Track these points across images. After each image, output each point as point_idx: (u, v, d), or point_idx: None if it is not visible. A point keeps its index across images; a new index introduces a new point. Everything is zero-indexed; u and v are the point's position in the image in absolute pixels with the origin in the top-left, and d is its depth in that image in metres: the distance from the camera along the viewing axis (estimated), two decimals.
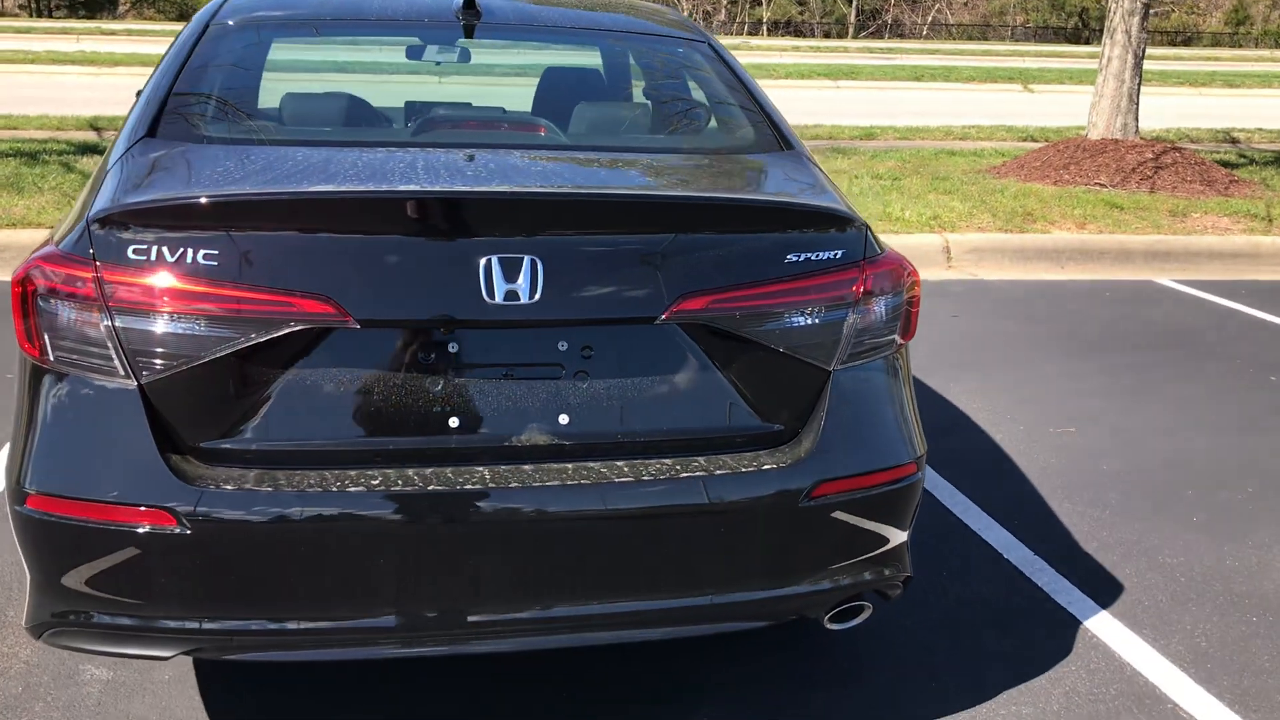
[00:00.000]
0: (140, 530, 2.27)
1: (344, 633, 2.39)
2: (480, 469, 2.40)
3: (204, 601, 2.31)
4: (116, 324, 2.30)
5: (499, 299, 2.35)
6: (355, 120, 3.18)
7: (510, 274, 2.36)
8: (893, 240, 8.45)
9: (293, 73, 5.02)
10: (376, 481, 2.33)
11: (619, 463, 2.48)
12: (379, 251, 2.34)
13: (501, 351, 2.44)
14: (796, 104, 16.10)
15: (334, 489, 2.30)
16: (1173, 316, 7.21)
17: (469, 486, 2.34)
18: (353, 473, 2.35)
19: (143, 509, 2.27)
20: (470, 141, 2.88)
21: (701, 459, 2.52)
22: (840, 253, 2.61)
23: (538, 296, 2.37)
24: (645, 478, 2.43)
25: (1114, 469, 4.74)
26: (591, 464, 2.46)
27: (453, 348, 2.41)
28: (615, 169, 2.70)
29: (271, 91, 3.39)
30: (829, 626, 2.75)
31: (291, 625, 2.37)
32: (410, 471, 2.37)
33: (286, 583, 2.32)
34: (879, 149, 12.68)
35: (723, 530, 2.49)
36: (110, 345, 2.31)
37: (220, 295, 2.29)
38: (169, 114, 2.78)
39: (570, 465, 2.45)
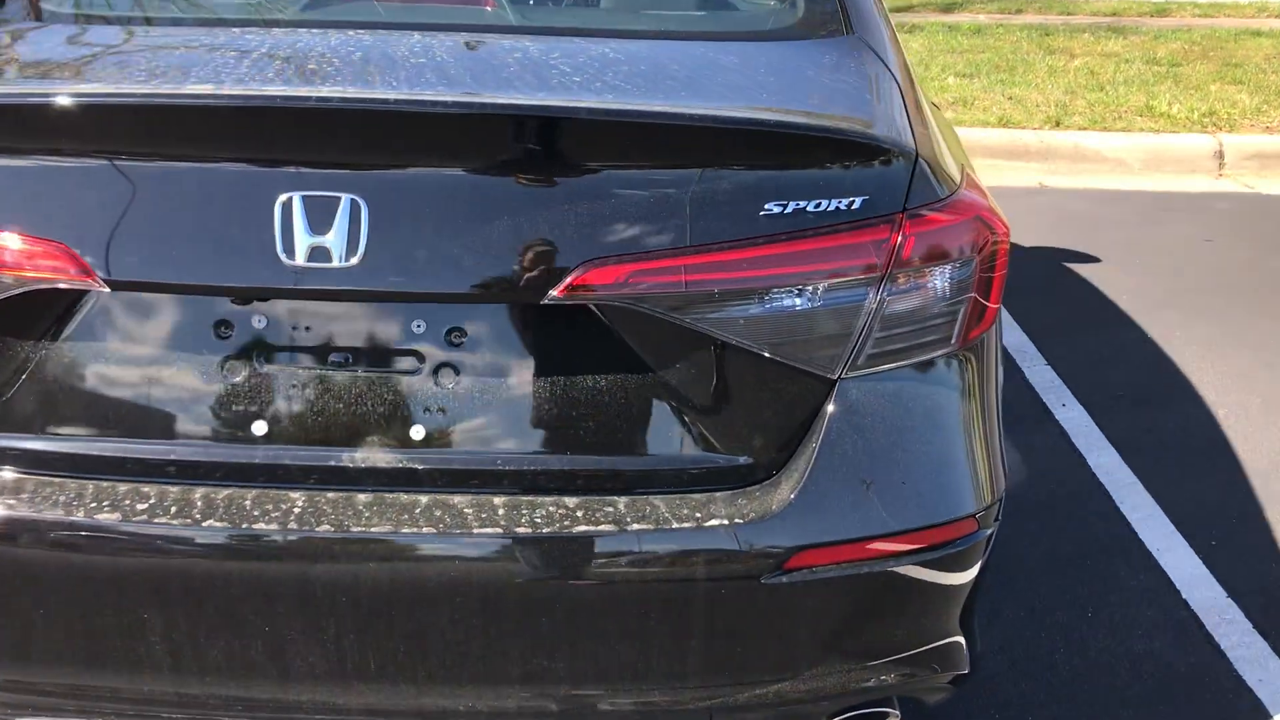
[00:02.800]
0: None
1: (128, 701, 1.77)
2: (294, 494, 1.69)
3: None
4: None
5: (300, 259, 1.60)
6: None
7: (318, 222, 1.60)
8: (1148, 142, 7.06)
9: None
10: (157, 505, 1.66)
11: (495, 499, 1.71)
12: (138, 185, 1.63)
13: (331, 332, 1.70)
14: None
15: (103, 509, 1.65)
16: None
17: (266, 523, 1.64)
18: (125, 488, 1.69)
19: None
20: (370, 21, 2.08)
21: (621, 502, 1.71)
22: (859, 201, 1.69)
23: (358, 257, 1.60)
24: (525, 527, 1.66)
25: None
26: (455, 498, 1.70)
27: (258, 323, 1.69)
28: (533, 66, 1.83)
29: None
30: None
31: (65, 688, 1.76)
32: (198, 494, 1.68)
33: (44, 634, 1.71)
34: (1167, 28, 10.84)
35: (644, 611, 1.70)
36: None
37: None
38: None
39: (424, 498, 1.70)
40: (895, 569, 1.75)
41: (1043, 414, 3.86)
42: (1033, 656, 2.66)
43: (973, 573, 1.85)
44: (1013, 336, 4.49)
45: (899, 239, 1.71)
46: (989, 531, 1.85)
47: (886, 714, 1.92)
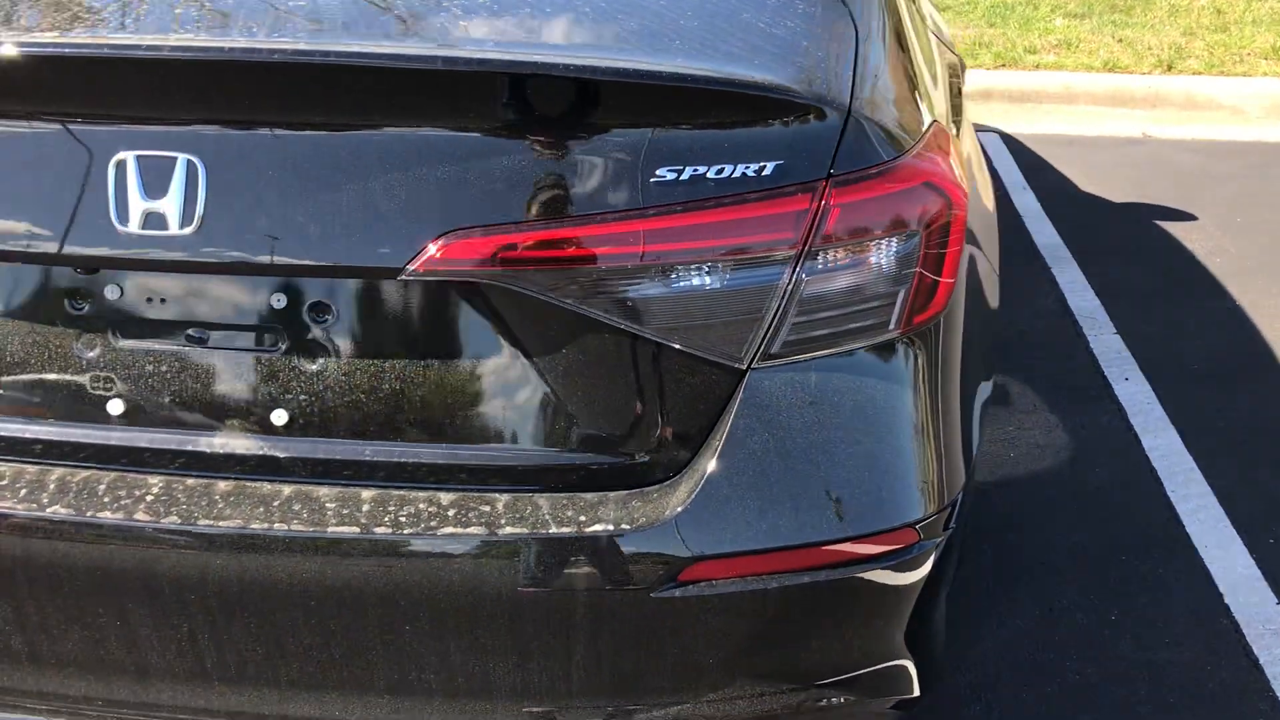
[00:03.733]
0: None
1: None
2: (152, 479, 1.57)
3: None
4: None
5: (134, 225, 1.45)
6: None
7: (153, 185, 1.45)
8: (1271, 88, 6.51)
9: None
10: (7, 486, 1.55)
11: (364, 492, 1.55)
12: None
13: (188, 306, 1.55)
14: None
15: None
16: None
17: (113, 510, 1.51)
18: None
19: None
20: None
21: (500, 501, 1.54)
22: (770, 166, 1.46)
23: (194, 225, 1.45)
24: (386, 527, 1.50)
25: None
26: (320, 490, 1.55)
27: (110, 294, 1.55)
28: (397, 9, 1.62)
29: None
30: None
31: None
32: (52, 475, 1.57)
33: None
34: None
35: (519, 623, 1.53)
36: None
37: None
38: None
39: (286, 489, 1.56)
40: (811, 585, 1.54)
41: (1101, 388, 3.54)
42: (1039, 664, 2.41)
43: (914, 588, 1.63)
44: (1083, 300, 4.15)
45: (820, 210, 1.48)
46: (935, 542, 1.62)
47: None
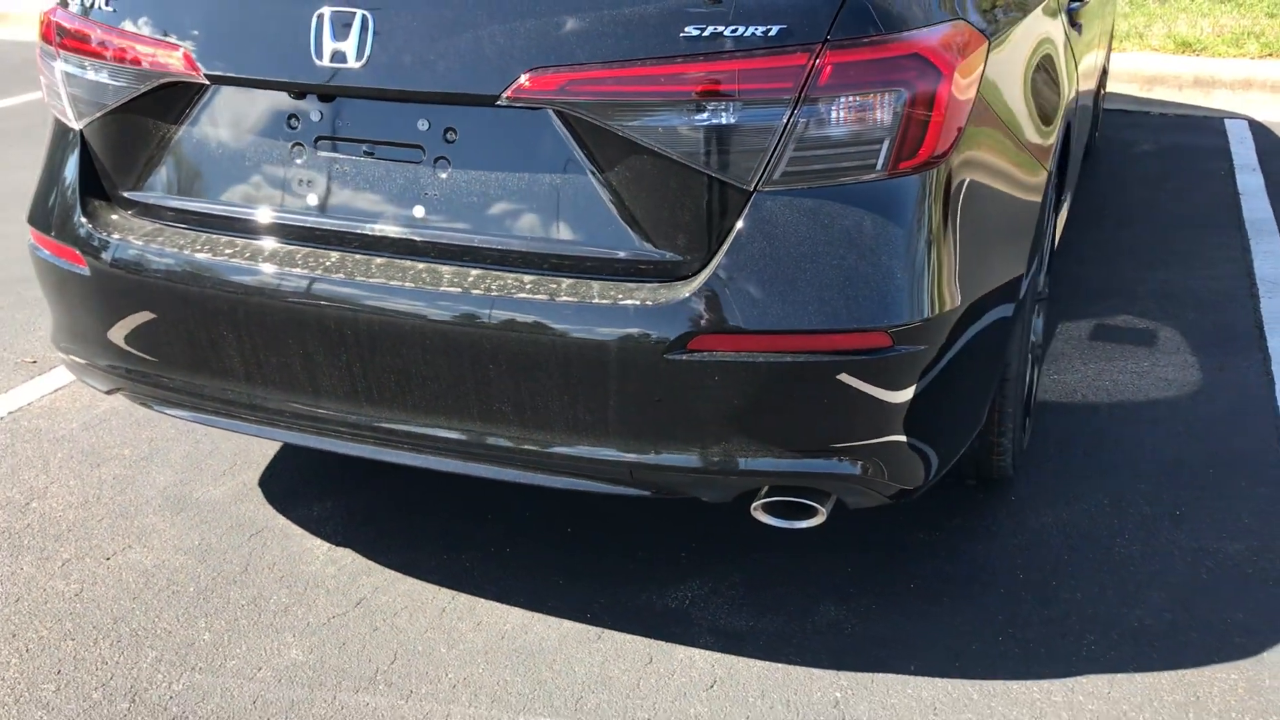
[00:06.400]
0: (63, 267, 2.40)
1: (225, 403, 2.36)
2: (333, 254, 2.19)
3: (111, 346, 2.40)
4: (60, 69, 2.39)
5: (326, 60, 2.08)
6: None
7: (339, 32, 2.06)
8: None
9: None
10: (238, 252, 2.23)
11: (471, 271, 2.11)
12: (226, 4, 2.17)
13: (361, 125, 2.16)
14: None
15: (204, 253, 2.25)
16: None
17: (314, 274, 2.15)
18: (221, 239, 2.27)
19: (64, 247, 2.39)
20: None
21: (565, 281, 2.06)
22: (775, 29, 1.91)
23: (365, 60, 2.05)
24: (481, 291, 2.06)
25: None
26: (442, 267, 2.13)
27: (314, 116, 2.18)
28: None
29: None
30: (760, 519, 2.16)
31: (179, 383, 2.37)
32: (269, 246, 2.23)
33: (171, 340, 2.33)
34: None
35: (569, 370, 2.04)
36: (61, 90, 2.41)
37: (111, 42, 2.28)
38: None
39: (420, 265, 2.14)
40: (793, 365, 1.97)
41: (1254, 340, 3.66)
42: (1090, 537, 2.68)
43: (899, 385, 2.01)
44: (1272, 268, 4.21)
45: (815, 67, 1.91)
46: (915, 349, 2.00)
47: (814, 509, 2.13)
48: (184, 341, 2.30)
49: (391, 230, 2.16)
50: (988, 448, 2.63)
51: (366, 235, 2.18)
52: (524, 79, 1.98)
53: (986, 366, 2.32)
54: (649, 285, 2.03)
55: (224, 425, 2.43)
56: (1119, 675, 2.26)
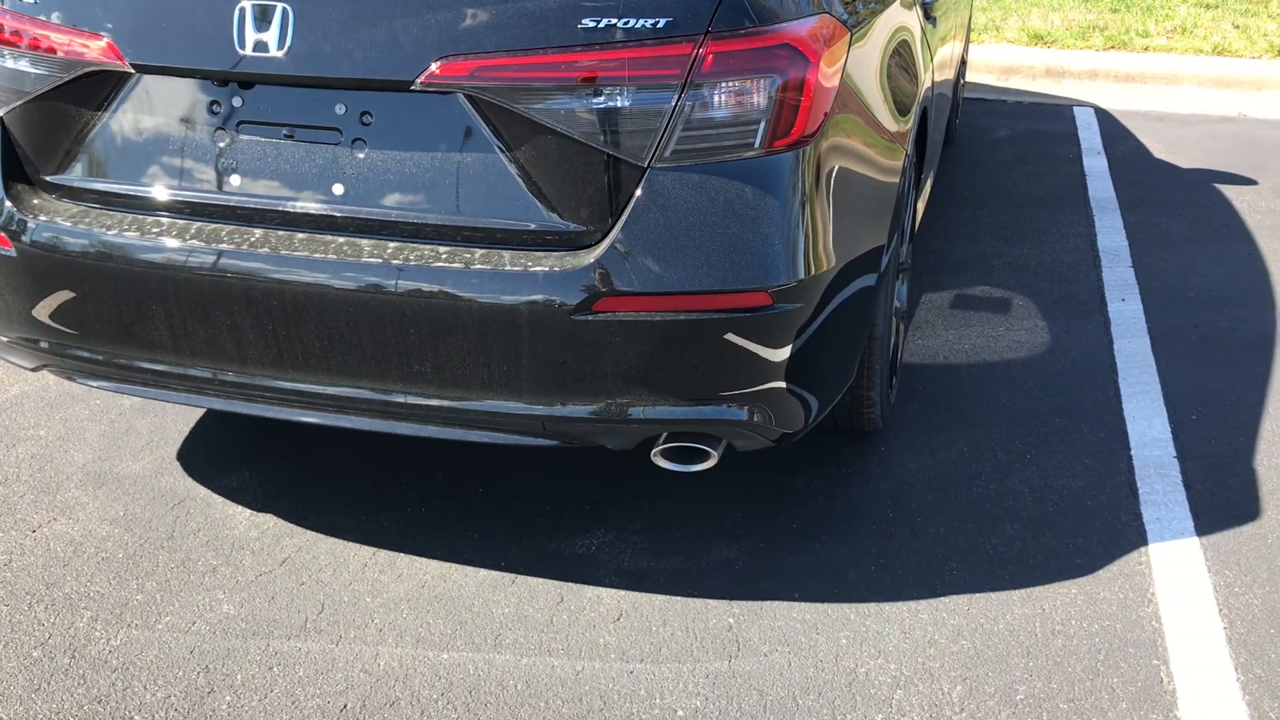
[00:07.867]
0: None
1: (154, 374, 2.50)
2: (257, 231, 2.35)
3: (38, 324, 2.51)
4: None
5: (249, 49, 2.24)
6: None
7: (261, 23, 2.23)
8: None
9: None
10: (164, 231, 2.37)
11: (389, 244, 2.30)
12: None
13: (281, 110, 2.33)
14: None
15: (131, 232, 2.38)
16: None
17: (239, 250, 2.31)
18: (148, 219, 2.41)
19: None
20: None
21: (478, 252, 2.26)
22: (663, 21, 2.14)
23: (286, 49, 2.23)
24: (400, 261, 2.24)
25: None
26: (361, 241, 2.31)
27: (235, 102, 2.34)
28: None
29: None
30: (659, 464, 2.40)
31: (106, 357, 2.51)
32: (195, 225, 2.38)
33: (99, 316, 2.46)
34: None
35: (484, 332, 2.24)
36: None
37: (34, 33, 2.40)
38: None
39: (340, 239, 2.32)
40: (686, 323, 2.21)
41: (1098, 305, 4.03)
42: (952, 480, 2.98)
43: (780, 337, 2.26)
44: (1112, 241, 4.61)
45: (697, 55, 2.15)
46: (793, 306, 2.25)
47: (707, 453, 2.38)
48: (112, 317, 2.43)
49: (312, 207, 2.33)
50: (858, 401, 2.91)
51: (288, 212, 2.35)
52: (435, 66, 2.18)
53: (855, 325, 2.59)
54: (556, 254, 2.25)
55: (153, 395, 2.57)
56: (977, 595, 2.56)
